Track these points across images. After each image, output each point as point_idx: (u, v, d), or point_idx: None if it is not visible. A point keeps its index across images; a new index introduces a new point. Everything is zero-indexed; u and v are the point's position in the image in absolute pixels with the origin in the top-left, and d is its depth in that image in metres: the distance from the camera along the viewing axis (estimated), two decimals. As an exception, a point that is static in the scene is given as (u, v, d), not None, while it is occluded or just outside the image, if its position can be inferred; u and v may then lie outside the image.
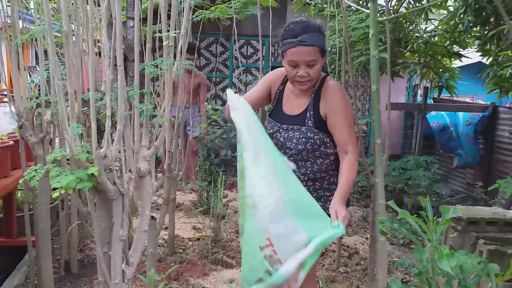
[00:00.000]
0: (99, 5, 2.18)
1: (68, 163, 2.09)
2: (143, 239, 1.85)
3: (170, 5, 1.94)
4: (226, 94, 1.97)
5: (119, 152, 1.58)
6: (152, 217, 2.57)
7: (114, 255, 1.68)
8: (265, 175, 1.77)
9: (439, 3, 4.11)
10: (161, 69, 1.65)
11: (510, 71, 1.76)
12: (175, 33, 1.70)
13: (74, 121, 1.72)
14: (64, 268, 3.26)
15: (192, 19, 4.50)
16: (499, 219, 2.81)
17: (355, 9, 4.12)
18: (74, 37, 2.36)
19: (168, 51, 1.87)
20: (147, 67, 1.65)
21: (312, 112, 2.10)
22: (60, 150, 1.58)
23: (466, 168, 6.28)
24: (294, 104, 2.16)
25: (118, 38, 1.46)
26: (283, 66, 2.11)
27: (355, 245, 4.10)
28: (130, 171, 1.74)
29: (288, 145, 2.13)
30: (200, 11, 4.69)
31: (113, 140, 1.56)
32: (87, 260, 3.48)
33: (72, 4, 2.31)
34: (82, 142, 1.88)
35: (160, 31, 1.75)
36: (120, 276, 1.73)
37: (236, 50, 6.81)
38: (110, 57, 1.53)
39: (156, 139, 1.78)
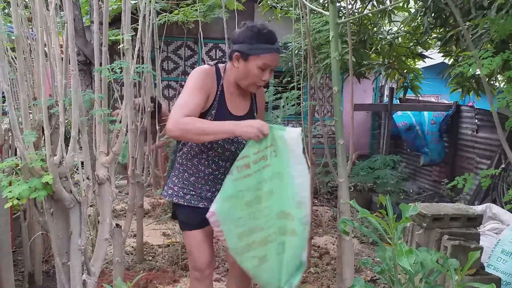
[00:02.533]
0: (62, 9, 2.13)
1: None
2: (104, 247, 1.80)
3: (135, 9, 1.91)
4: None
5: (75, 159, 1.54)
6: (117, 225, 2.51)
7: (73, 266, 1.63)
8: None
9: (400, 5, 4.21)
10: (115, 72, 1.61)
11: (470, 69, 1.81)
12: (132, 35, 1.66)
13: (28, 129, 1.66)
14: (28, 281, 3.14)
15: (156, 22, 4.45)
16: (462, 215, 2.88)
17: (319, 12, 4.16)
18: (33, 41, 2.29)
19: (129, 54, 1.84)
20: (102, 71, 1.61)
21: (255, 112, 2.18)
22: (12, 159, 1.52)
23: (432, 166, 6.43)
24: (238, 105, 2.11)
25: (70, 42, 1.42)
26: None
27: (325, 245, 4.13)
28: (88, 178, 1.69)
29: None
30: (164, 14, 4.64)
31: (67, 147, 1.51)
32: (53, 271, 3.36)
33: (27, 7, 2.24)
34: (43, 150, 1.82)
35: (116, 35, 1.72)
36: (80, 286, 1.68)
37: (204, 53, 6.78)
38: (63, 61, 1.48)
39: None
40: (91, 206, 3.90)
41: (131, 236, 3.96)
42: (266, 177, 1.87)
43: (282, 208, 1.90)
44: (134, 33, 2.44)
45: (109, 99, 1.81)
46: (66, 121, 2.50)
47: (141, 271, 3.36)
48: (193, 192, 2.10)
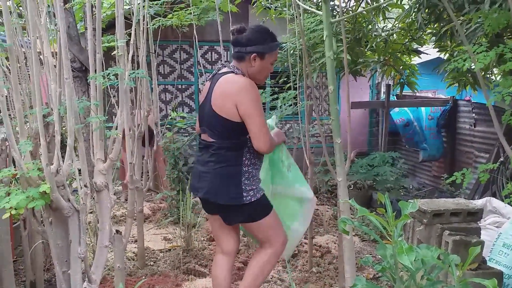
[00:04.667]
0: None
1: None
2: (105, 254, 1.80)
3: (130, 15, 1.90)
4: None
5: (72, 167, 1.54)
6: (117, 231, 2.51)
7: (74, 274, 1.63)
8: None
9: (394, 1, 4.21)
10: (109, 79, 1.61)
11: (464, 65, 1.81)
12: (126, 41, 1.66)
13: (24, 138, 1.65)
14: (29, 290, 3.14)
15: (151, 26, 4.45)
16: (462, 210, 2.88)
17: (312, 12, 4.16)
18: (29, 49, 2.29)
19: (123, 60, 1.83)
20: (96, 78, 1.61)
21: None
22: (9, 169, 1.52)
23: (431, 161, 6.43)
24: None
25: (63, 49, 1.41)
26: None
27: (327, 244, 4.13)
28: (86, 186, 1.69)
29: None
30: (158, 18, 4.63)
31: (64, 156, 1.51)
32: (55, 279, 3.33)
33: (21, 16, 2.24)
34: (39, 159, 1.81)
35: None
36: (81, 295, 1.67)
37: (199, 56, 6.78)
38: (57, 69, 1.48)
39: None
40: (91, 213, 3.90)
41: (132, 241, 3.96)
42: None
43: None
44: (129, 38, 2.44)
45: (105, 105, 1.81)
46: (63, 128, 2.52)
47: (143, 277, 3.35)
48: (260, 183, 2.36)
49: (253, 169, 2.30)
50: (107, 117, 1.74)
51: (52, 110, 1.54)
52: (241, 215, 2.33)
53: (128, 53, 1.79)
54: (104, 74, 1.61)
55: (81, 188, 1.64)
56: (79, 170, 1.70)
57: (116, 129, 1.72)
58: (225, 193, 2.24)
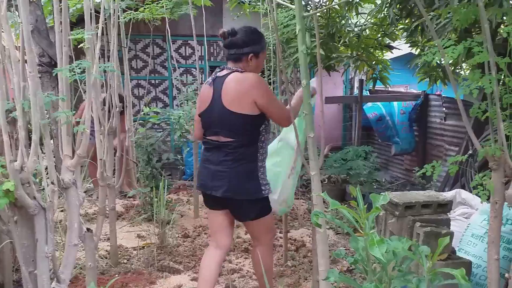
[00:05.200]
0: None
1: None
2: (74, 253, 1.75)
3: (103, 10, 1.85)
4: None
5: (38, 164, 1.49)
6: (88, 229, 2.45)
7: (41, 274, 1.58)
8: None
9: (366, -3, 4.25)
10: (77, 73, 1.56)
11: (434, 58, 1.83)
12: (91, 34, 1.61)
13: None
14: (-3, 291, 3.04)
15: (122, 20, 4.36)
16: (432, 202, 2.94)
17: (286, 6, 4.16)
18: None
19: (90, 53, 1.78)
20: (63, 71, 1.56)
21: None
22: (-30, 166, 1.46)
23: (404, 155, 6.55)
24: None
25: (26, 43, 1.36)
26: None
27: (301, 238, 4.15)
28: (53, 183, 1.64)
29: None
30: (130, 11, 4.54)
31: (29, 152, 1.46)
32: (24, 280, 3.27)
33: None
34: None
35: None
36: (49, 295, 1.63)
37: (173, 51, 6.69)
38: (20, 63, 1.42)
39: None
40: (61, 211, 3.81)
41: (104, 239, 3.89)
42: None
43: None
44: (97, 31, 2.37)
45: (72, 100, 1.76)
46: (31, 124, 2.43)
47: (116, 275, 3.29)
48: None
49: (263, 163, 2.49)
50: (74, 111, 1.69)
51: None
52: (255, 210, 2.46)
53: (96, 46, 1.73)
54: (71, 67, 1.55)
55: (48, 185, 1.58)
56: (47, 168, 1.65)
57: (84, 123, 1.67)
58: (245, 189, 2.37)
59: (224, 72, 2.39)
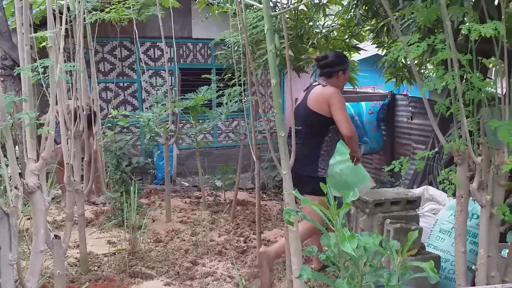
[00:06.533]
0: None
1: None
2: (40, 260, 1.69)
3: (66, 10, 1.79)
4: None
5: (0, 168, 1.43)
6: (56, 236, 2.38)
7: (5, 282, 1.51)
8: None
9: (334, -2, 4.32)
10: (38, 73, 1.51)
11: (399, 55, 1.87)
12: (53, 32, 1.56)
13: None
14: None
15: (88, 21, 4.26)
16: (401, 199, 3.01)
17: (255, 7, 4.17)
18: None
19: (53, 52, 1.73)
20: (25, 71, 1.50)
21: None
22: None
23: (372, 154, 6.67)
24: None
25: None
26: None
27: (275, 238, 4.16)
28: (16, 187, 1.58)
29: None
30: (95, 12, 4.44)
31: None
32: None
33: None
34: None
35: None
36: (14, 304, 1.56)
37: (142, 53, 6.60)
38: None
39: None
40: (28, 219, 3.68)
41: (74, 247, 3.78)
42: None
43: None
44: (65, 34, 2.31)
45: (36, 102, 1.70)
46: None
47: (87, 282, 3.20)
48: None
49: (327, 155, 3.18)
50: (39, 113, 1.63)
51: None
52: (311, 185, 2.98)
53: (60, 45, 1.68)
54: (33, 66, 1.50)
55: (10, 190, 1.52)
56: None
57: (48, 125, 1.62)
58: (306, 167, 3.10)
59: (315, 84, 3.21)
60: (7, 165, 1.55)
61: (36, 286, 1.71)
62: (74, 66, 1.82)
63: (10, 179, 1.58)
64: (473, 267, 2.19)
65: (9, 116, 1.66)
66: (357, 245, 1.43)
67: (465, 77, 1.86)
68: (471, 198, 2.09)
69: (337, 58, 3.21)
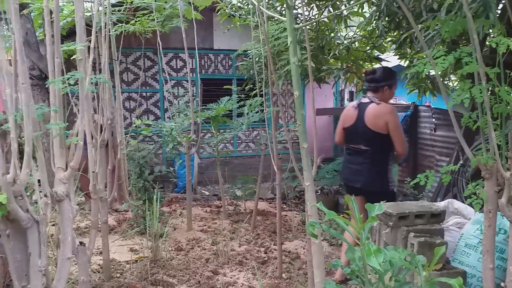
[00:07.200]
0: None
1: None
2: (67, 267, 1.73)
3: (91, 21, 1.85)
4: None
5: (31, 176, 1.47)
6: (81, 243, 2.42)
7: (33, 289, 1.55)
8: None
9: (355, 10, 4.31)
10: (69, 84, 1.55)
11: (424, 69, 1.86)
12: (83, 45, 1.61)
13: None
14: (-13, 308, 2.97)
15: (113, 33, 4.36)
16: (425, 212, 2.95)
17: (277, 19, 4.20)
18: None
19: (83, 64, 1.78)
20: (56, 83, 1.55)
21: None
22: (-39, 180, 1.43)
23: (395, 165, 6.58)
24: None
25: (19, 54, 1.35)
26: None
27: (296, 249, 4.14)
28: (46, 195, 1.62)
29: None
30: (120, 24, 4.54)
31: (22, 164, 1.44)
32: (13, 296, 3.20)
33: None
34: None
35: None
36: (42, 310, 1.59)
37: (164, 64, 6.71)
38: (13, 74, 1.41)
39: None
40: (53, 225, 3.75)
41: (97, 253, 3.83)
42: None
43: None
44: (89, 44, 2.37)
45: (65, 112, 1.75)
46: (22, 138, 2.41)
47: (109, 290, 3.24)
48: None
49: (391, 168, 3.34)
50: (67, 123, 1.68)
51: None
52: (383, 199, 3.07)
53: (89, 57, 1.73)
54: (63, 79, 1.55)
55: (40, 198, 1.56)
56: (39, 180, 1.63)
57: (77, 135, 1.66)
58: (377, 184, 3.29)
59: (366, 100, 3.29)
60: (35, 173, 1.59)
61: (63, 293, 1.73)
62: (101, 78, 1.86)
63: (40, 187, 1.62)
64: (502, 284, 2.14)
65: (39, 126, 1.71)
66: (383, 260, 1.41)
67: (489, 89, 1.83)
68: (498, 212, 2.04)
69: (384, 73, 3.31)
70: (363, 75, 3.44)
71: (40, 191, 1.62)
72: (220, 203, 5.75)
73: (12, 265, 1.54)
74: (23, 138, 2.40)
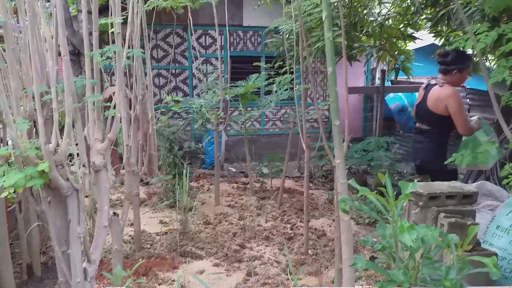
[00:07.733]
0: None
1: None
2: (103, 235, 1.79)
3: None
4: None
5: (71, 146, 1.52)
6: (114, 213, 2.50)
7: (73, 254, 1.62)
8: None
9: (391, -15, 4.18)
10: (107, 57, 1.58)
11: (467, 45, 1.80)
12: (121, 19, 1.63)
13: (20, 117, 1.62)
14: (26, 272, 3.13)
15: (144, 9, 4.38)
16: (457, 193, 2.90)
17: (310, -6, 4.12)
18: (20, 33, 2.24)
19: (119, 38, 1.80)
20: (94, 56, 1.58)
21: None
22: (5, 148, 1.50)
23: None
24: None
25: (60, 27, 1.38)
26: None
27: (322, 227, 4.16)
28: (84, 165, 1.67)
29: None
30: (152, 0, 4.56)
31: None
32: (51, 261, 3.35)
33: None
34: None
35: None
36: (81, 274, 1.67)
37: (194, 40, 6.71)
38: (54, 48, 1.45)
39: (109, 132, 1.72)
40: (86, 197, 3.88)
41: (128, 225, 3.96)
42: None
43: None
44: (123, 20, 2.40)
45: (102, 85, 1.78)
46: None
47: (140, 259, 3.36)
48: None
49: (448, 148, 3.43)
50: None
51: (49, 88, 1.52)
52: (443, 177, 3.14)
53: (127, 32, 1.75)
54: (102, 51, 1.58)
55: (79, 168, 1.62)
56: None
57: (114, 108, 1.70)
58: (435, 162, 3.36)
59: (433, 82, 3.38)
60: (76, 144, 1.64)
61: (99, 259, 1.81)
62: (137, 52, 1.89)
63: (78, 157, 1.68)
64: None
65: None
66: (415, 237, 1.41)
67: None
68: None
69: (456, 57, 3.24)
70: (436, 55, 3.39)
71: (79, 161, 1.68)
72: (246, 180, 5.81)
73: (53, 231, 1.61)
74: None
